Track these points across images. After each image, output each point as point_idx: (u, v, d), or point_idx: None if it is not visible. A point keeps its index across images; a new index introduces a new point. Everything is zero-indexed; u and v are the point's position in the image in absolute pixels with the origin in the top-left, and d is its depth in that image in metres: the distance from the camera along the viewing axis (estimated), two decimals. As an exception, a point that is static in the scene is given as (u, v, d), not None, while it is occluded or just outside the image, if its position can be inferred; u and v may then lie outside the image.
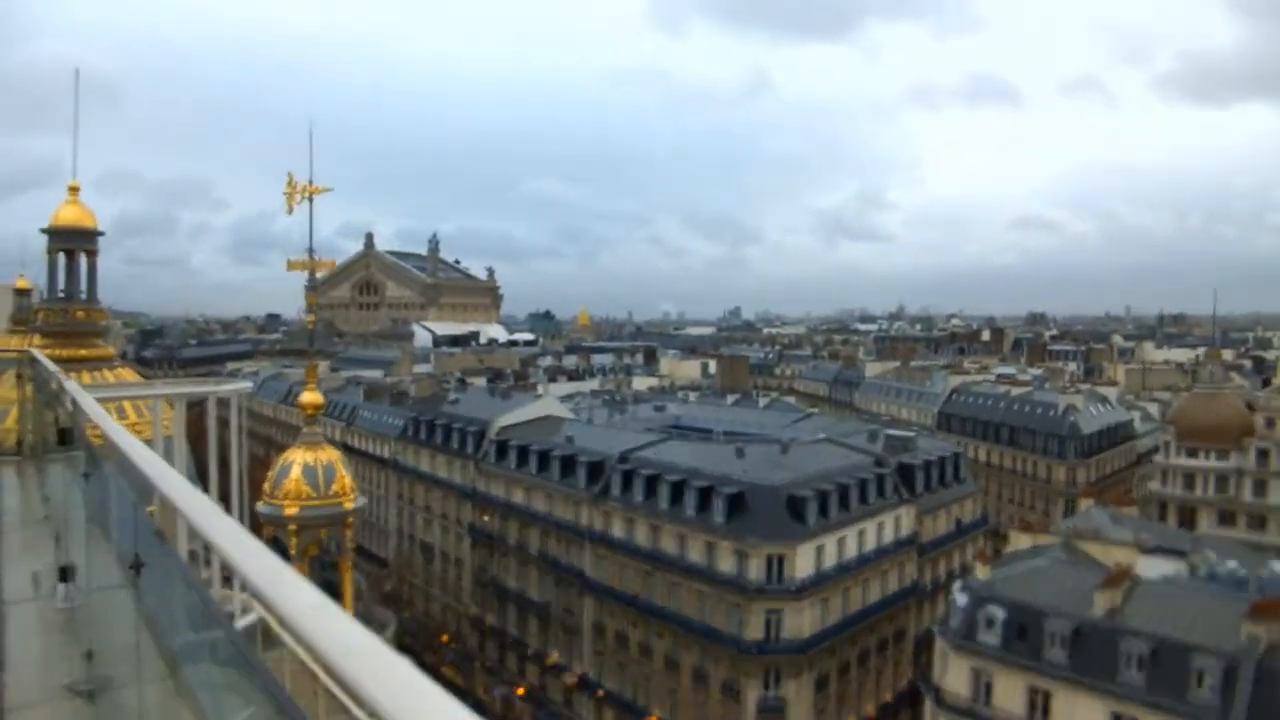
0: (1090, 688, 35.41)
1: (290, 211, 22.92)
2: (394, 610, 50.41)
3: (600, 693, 57.10)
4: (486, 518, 70.72)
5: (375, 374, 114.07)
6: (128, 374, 38.02)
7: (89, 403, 7.56)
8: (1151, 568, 40.56)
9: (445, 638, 69.14)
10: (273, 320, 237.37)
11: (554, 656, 61.29)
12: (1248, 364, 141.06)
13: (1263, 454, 69.44)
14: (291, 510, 22.16)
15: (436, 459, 78.09)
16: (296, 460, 22.90)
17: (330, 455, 23.23)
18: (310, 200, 23.16)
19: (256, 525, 23.17)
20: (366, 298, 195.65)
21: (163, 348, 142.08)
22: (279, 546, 22.07)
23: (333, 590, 22.95)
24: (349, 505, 22.82)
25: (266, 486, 23.19)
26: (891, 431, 66.87)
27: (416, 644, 65.04)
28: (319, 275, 24.54)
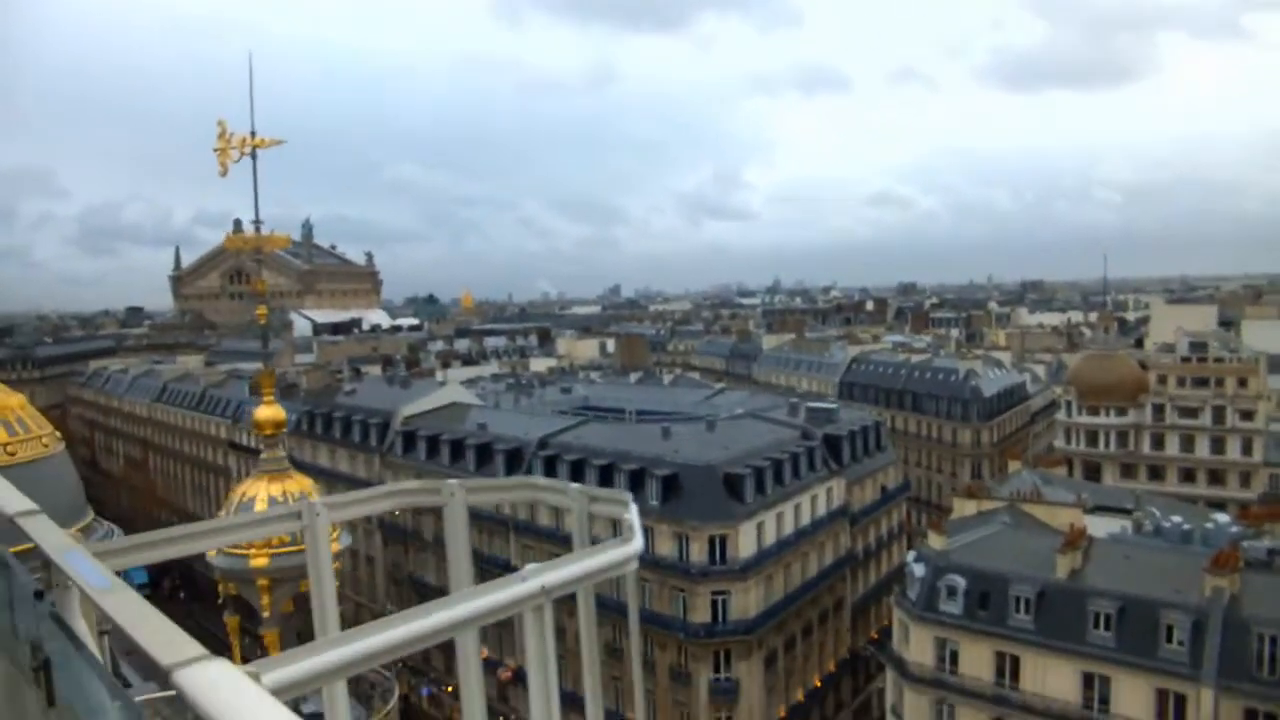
0: (1059, 650, 35.39)
1: (224, 172, 19.09)
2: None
3: (538, 688, 54.90)
4: (398, 513, 67.22)
5: (255, 366, 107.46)
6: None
7: None
8: (1099, 527, 41.01)
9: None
10: (135, 314, 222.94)
11: (485, 652, 58.65)
12: (1114, 325, 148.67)
13: (1158, 409, 72.32)
14: (260, 561, 17.38)
15: (337, 453, 74.08)
16: (259, 494, 18.22)
17: (302, 485, 18.69)
18: (254, 156, 19.39)
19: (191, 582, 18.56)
20: (238, 287, 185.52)
21: (14, 347, 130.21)
22: (244, 606, 18.04)
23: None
24: (335, 547, 18.71)
25: None
26: (813, 404, 66.52)
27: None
28: (267, 252, 21.02)
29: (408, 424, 68.18)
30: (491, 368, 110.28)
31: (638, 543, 4.49)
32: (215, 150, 18.68)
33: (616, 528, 5.21)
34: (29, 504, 3.68)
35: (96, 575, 3.09)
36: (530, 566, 4.04)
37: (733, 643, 47.40)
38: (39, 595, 3.39)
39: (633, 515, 5.10)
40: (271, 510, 4.35)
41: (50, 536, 3.45)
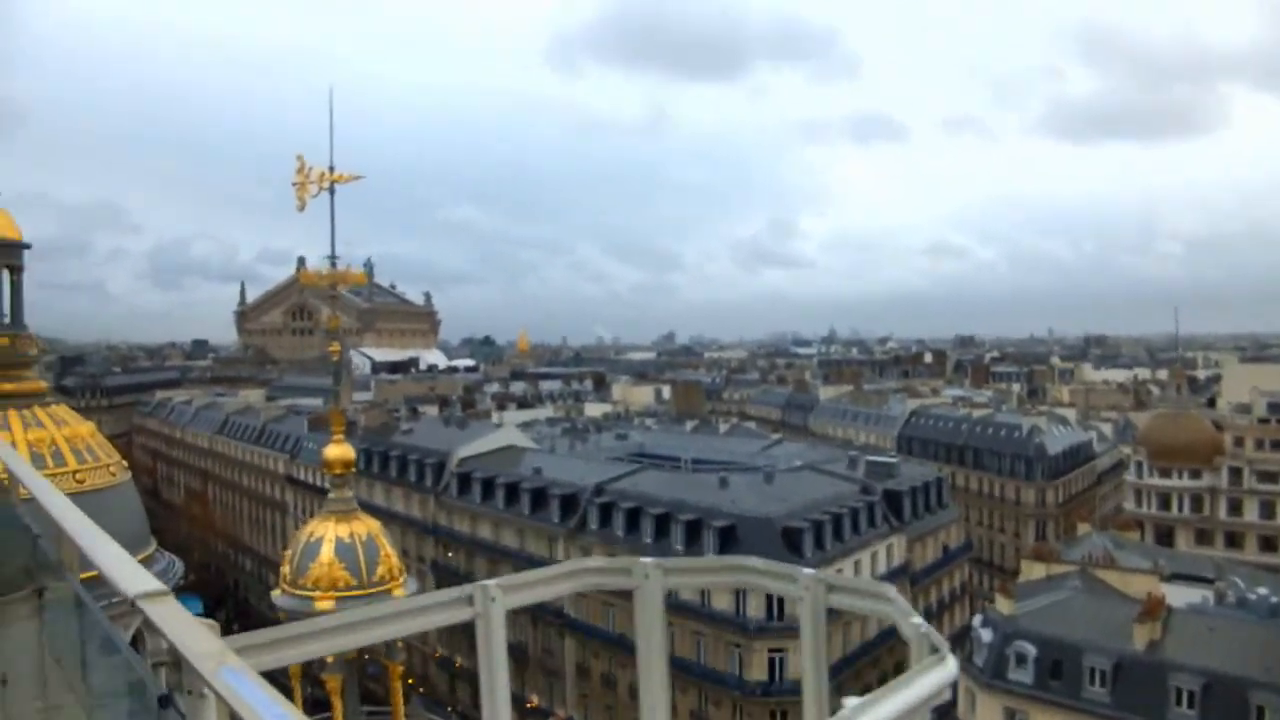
0: (1138, 727, 33.68)
1: (302, 207, 18.94)
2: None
3: (587, 740, 53.98)
4: (451, 554, 67.22)
5: (314, 402, 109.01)
6: (65, 412, 33.64)
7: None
8: (1177, 596, 39.21)
9: (411, 681, 65.07)
10: (200, 346, 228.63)
11: (534, 700, 57.85)
12: (1184, 383, 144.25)
13: (1235, 473, 69.67)
14: (326, 604, 17.00)
15: (393, 492, 74.40)
16: (325, 535, 17.79)
17: (369, 526, 18.22)
18: (331, 192, 19.24)
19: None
20: (300, 323, 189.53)
21: (85, 376, 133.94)
22: None
23: (377, 701, 18.89)
24: (400, 592, 17.56)
25: (285, 570, 18.08)
26: (873, 457, 65.26)
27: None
28: (342, 289, 20.65)
29: (463, 465, 68.40)
30: (546, 411, 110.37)
31: (953, 661, 3.32)
32: (294, 185, 18.57)
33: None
34: (154, 583, 2.94)
35: (279, 713, 2.19)
36: (850, 704, 3.11)
37: (790, 703, 45.95)
38: (164, 702, 2.81)
39: (917, 618, 3.75)
40: (438, 595, 3.52)
41: (188, 633, 2.64)
